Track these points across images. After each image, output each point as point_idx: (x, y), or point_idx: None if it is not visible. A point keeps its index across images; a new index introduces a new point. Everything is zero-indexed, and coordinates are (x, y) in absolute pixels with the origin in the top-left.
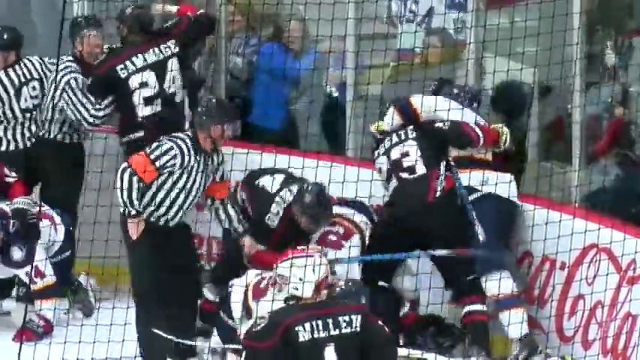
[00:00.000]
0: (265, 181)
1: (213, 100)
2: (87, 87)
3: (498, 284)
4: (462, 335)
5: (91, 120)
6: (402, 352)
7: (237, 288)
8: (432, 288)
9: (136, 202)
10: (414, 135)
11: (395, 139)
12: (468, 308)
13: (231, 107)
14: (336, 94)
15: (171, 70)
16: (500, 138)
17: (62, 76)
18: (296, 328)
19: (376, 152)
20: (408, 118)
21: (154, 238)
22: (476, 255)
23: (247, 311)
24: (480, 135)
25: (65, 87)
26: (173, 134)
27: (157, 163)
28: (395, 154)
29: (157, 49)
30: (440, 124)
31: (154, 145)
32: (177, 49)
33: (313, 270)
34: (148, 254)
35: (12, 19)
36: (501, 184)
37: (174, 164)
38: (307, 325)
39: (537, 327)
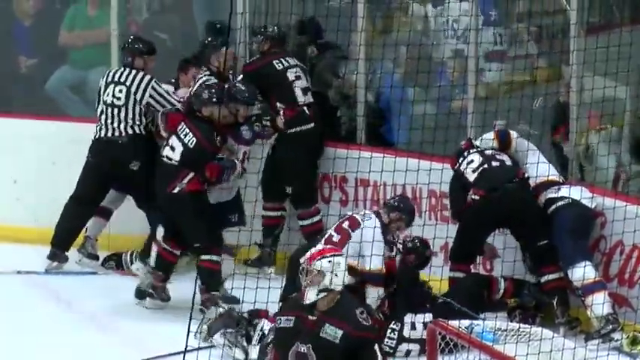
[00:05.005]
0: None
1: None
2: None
3: (583, 272)
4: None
5: None
6: (513, 326)
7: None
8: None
9: None
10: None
11: (487, 149)
12: (546, 277)
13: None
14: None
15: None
16: None
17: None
18: None
19: (465, 152)
20: (501, 143)
21: None
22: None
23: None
24: None
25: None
26: None
27: None
28: (488, 151)
29: (294, 59)
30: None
31: None
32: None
33: (344, 266)
34: None
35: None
36: (581, 194)
37: None
38: None
39: (627, 305)
